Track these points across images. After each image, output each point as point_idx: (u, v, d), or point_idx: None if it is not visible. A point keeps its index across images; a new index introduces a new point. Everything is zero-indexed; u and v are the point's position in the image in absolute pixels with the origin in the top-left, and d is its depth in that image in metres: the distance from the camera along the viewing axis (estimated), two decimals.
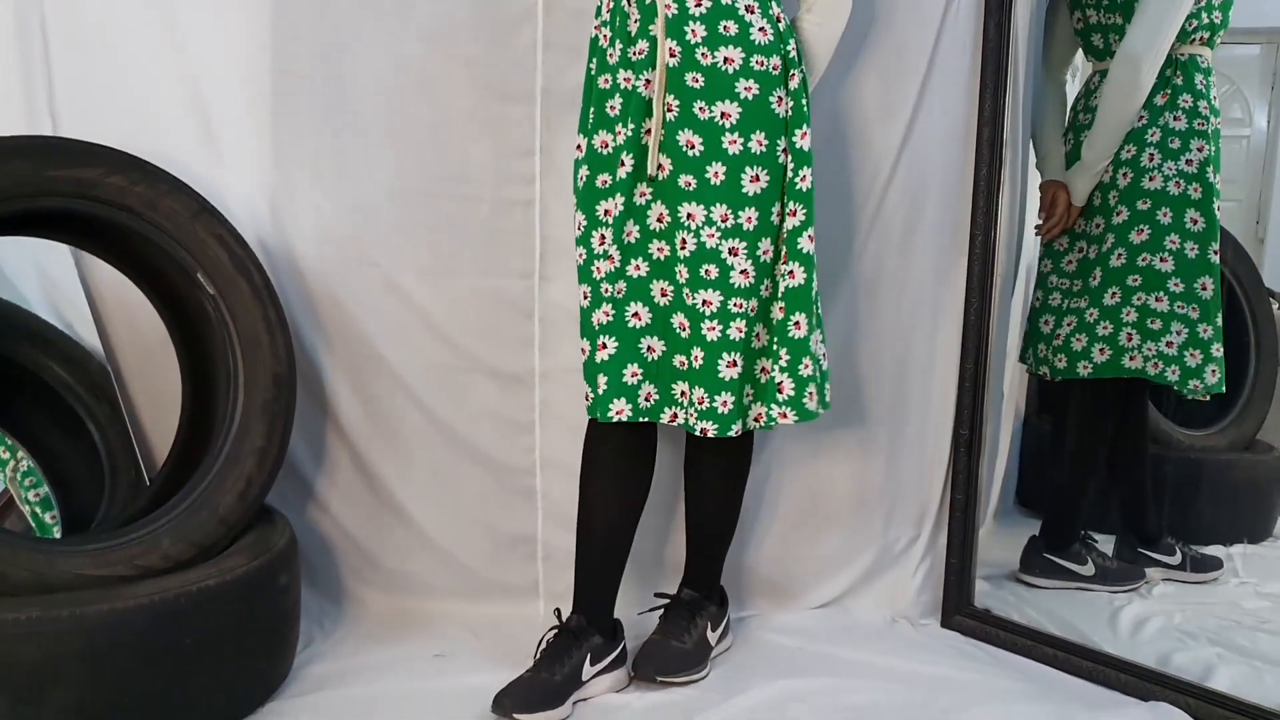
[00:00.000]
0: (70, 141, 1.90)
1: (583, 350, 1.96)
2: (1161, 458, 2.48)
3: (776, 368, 1.93)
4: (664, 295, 1.93)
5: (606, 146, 1.91)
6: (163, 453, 2.18)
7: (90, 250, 2.08)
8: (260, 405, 1.97)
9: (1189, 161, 2.26)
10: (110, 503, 2.13)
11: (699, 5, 1.84)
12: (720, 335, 1.88)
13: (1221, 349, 2.25)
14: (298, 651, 2.04)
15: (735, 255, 1.87)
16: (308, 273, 2.24)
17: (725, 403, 1.90)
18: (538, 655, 1.96)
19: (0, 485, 2.14)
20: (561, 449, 2.28)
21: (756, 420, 1.96)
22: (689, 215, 1.87)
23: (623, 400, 1.92)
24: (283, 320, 2.03)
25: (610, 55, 1.90)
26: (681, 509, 2.24)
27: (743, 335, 1.89)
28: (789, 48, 1.90)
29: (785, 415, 1.93)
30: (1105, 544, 2.49)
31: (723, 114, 1.85)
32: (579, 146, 1.95)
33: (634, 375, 1.94)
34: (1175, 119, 2.27)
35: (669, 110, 1.86)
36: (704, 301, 1.88)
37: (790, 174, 1.90)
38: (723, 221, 1.87)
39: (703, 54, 1.85)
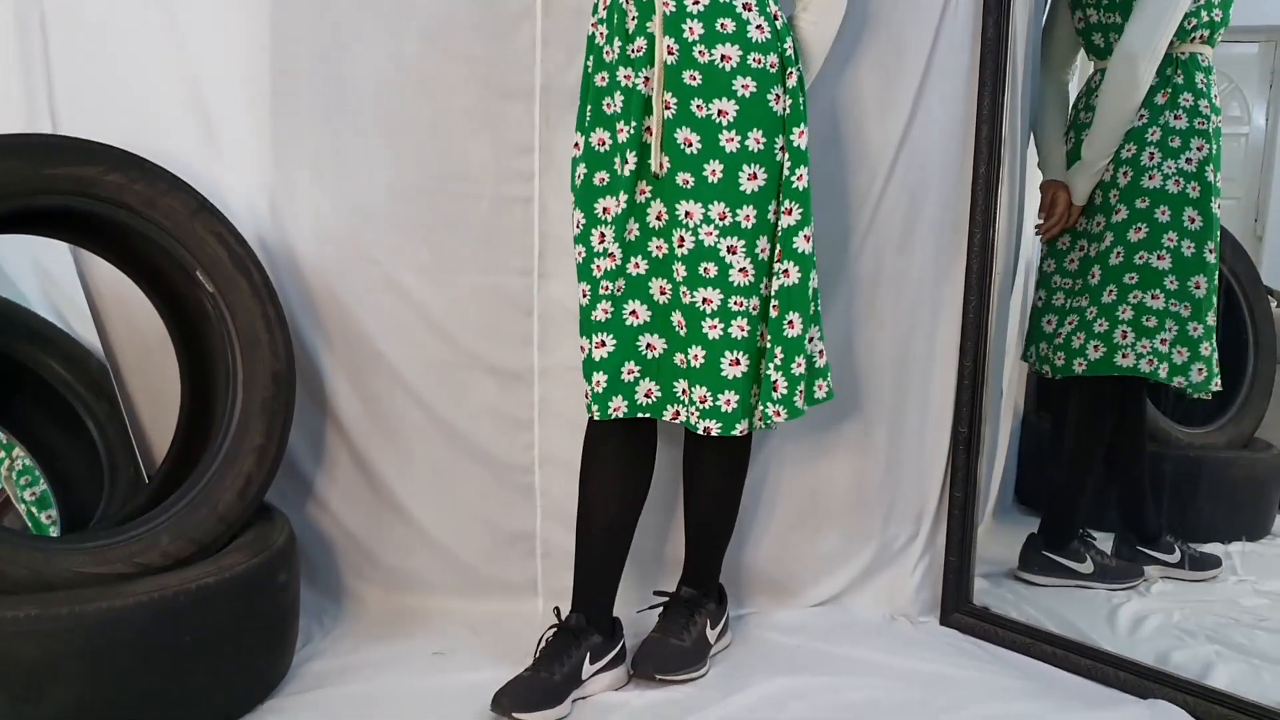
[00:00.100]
0: (69, 139, 1.90)
1: (582, 348, 1.96)
2: (1160, 455, 2.48)
3: (771, 366, 1.93)
4: (663, 293, 1.93)
5: (604, 144, 1.91)
6: (162, 450, 2.19)
7: (89, 248, 2.08)
8: (259, 403, 1.97)
9: (1189, 160, 2.26)
10: (109, 500, 2.13)
11: (696, 3, 1.84)
12: (722, 334, 1.88)
13: (1211, 347, 2.26)
14: (297, 649, 2.04)
15: (734, 253, 1.87)
16: (307, 271, 2.24)
17: (729, 401, 1.90)
18: (537, 654, 1.96)
19: None
20: (561, 446, 2.29)
21: (759, 420, 1.96)
22: (686, 213, 1.87)
23: (620, 398, 1.93)
24: (282, 318, 2.03)
25: (608, 53, 1.90)
26: (681, 507, 2.24)
27: (745, 334, 1.89)
28: (786, 45, 1.90)
29: (779, 413, 1.93)
30: (1104, 542, 2.49)
31: (720, 112, 1.85)
32: (576, 144, 1.95)
33: (631, 372, 1.94)
34: (1176, 117, 2.27)
35: (667, 108, 1.86)
36: (704, 300, 1.88)
37: (787, 172, 1.90)
38: (720, 219, 1.87)
39: (700, 51, 1.85)
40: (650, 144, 1.87)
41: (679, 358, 1.92)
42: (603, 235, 1.91)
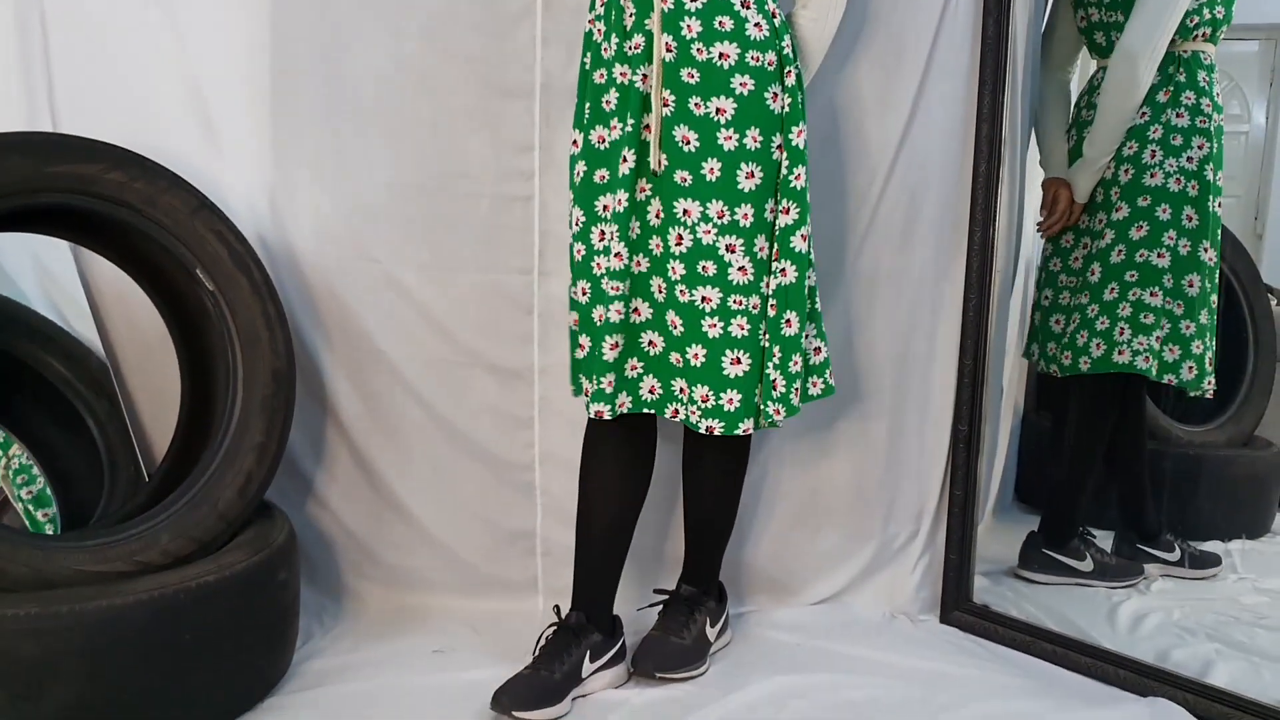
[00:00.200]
0: (69, 137, 1.90)
1: (582, 346, 1.96)
2: (1160, 454, 2.48)
3: (771, 365, 1.93)
4: (660, 291, 1.93)
5: (603, 141, 1.91)
6: (162, 448, 2.19)
7: (89, 246, 2.08)
8: (259, 401, 1.97)
9: (1190, 158, 2.26)
10: (109, 499, 2.13)
11: (694, 0, 1.84)
12: (722, 332, 1.88)
13: (1204, 346, 2.26)
14: (297, 647, 2.04)
15: (732, 252, 1.87)
16: (307, 269, 2.25)
17: (731, 400, 1.89)
18: (537, 652, 1.96)
19: None
20: (561, 444, 2.29)
21: (762, 418, 1.96)
22: (684, 211, 1.87)
23: (625, 394, 1.93)
24: (282, 316, 2.03)
25: (605, 50, 1.90)
26: (680, 504, 2.24)
27: (746, 333, 1.89)
28: (784, 44, 1.90)
29: (779, 411, 1.93)
30: (1104, 540, 2.49)
31: (718, 110, 1.85)
32: (575, 142, 1.95)
33: (634, 368, 1.94)
34: (1177, 115, 2.27)
35: (665, 105, 1.86)
36: (702, 298, 1.88)
37: (785, 171, 1.90)
38: (719, 218, 1.86)
39: (698, 49, 1.84)
40: (649, 141, 1.87)
41: (674, 357, 1.92)
42: (603, 233, 1.91)
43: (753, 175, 1.87)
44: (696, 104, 1.85)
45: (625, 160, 1.87)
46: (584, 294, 1.94)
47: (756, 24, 1.86)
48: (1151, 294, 2.29)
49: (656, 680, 2.04)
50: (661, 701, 1.98)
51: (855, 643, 2.22)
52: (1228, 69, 2.34)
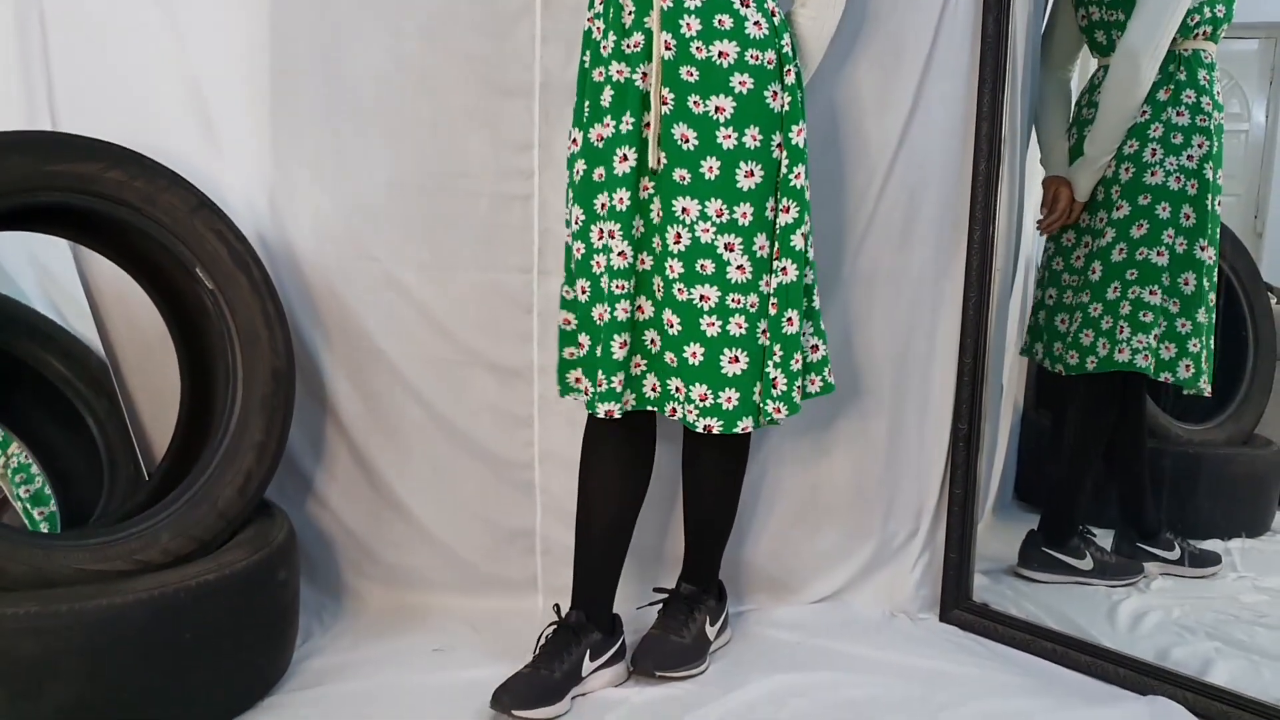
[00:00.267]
0: (69, 136, 1.90)
1: (581, 345, 1.96)
2: (1160, 452, 2.48)
3: (771, 363, 1.93)
4: (659, 290, 1.92)
5: (602, 140, 1.90)
6: (162, 447, 2.19)
7: (89, 245, 2.09)
8: (259, 400, 1.97)
9: (1190, 157, 2.26)
10: (109, 497, 2.14)
11: None
12: (720, 331, 1.88)
13: (1200, 344, 2.26)
14: (297, 646, 2.04)
15: (731, 251, 1.87)
16: (307, 268, 2.25)
17: (730, 399, 1.89)
18: (537, 651, 1.96)
19: None
20: (560, 443, 2.29)
21: (762, 417, 1.96)
22: (683, 210, 1.87)
23: (629, 391, 1.93)
24: (282, 315, 2.03)
25: (604, 48, 1.90)
26: (680, 503, 2.24)
27: (744, 331, 1.89)
28: (784, 42, 1.90)
29: (779, 410, 1.93)
30: (1104, 538, 2.49)
31: (717, 108, 1.85)
32: (574, 140, 1.95)
33: (638, 366, 1.94)
34: (1178, 114, 2.27)
35: (664, 103, 1.86)
36: (701, 297, 1.87)
37: (784, 170, 1.90)
38: (718, 216, 1.86)
39: (697, 48, 1.84)
40: (649, 139, 1.87)
41: (669, 357, 1.91)
42: (602, 231, 1.90)
43: (752, 174, 1.87)
44: (695, 102, 1.85)
45: (625, 159, 1.87)
46: (584, 293, 1.94)
47: (756, 22, 1.86)
48: (1151, 292, 2.29)
49: (656, 679, 2.04)
50: (661, 700, 1.98)
51: (855, 641, 2.22)
52: (1228, 67, 2.34)
